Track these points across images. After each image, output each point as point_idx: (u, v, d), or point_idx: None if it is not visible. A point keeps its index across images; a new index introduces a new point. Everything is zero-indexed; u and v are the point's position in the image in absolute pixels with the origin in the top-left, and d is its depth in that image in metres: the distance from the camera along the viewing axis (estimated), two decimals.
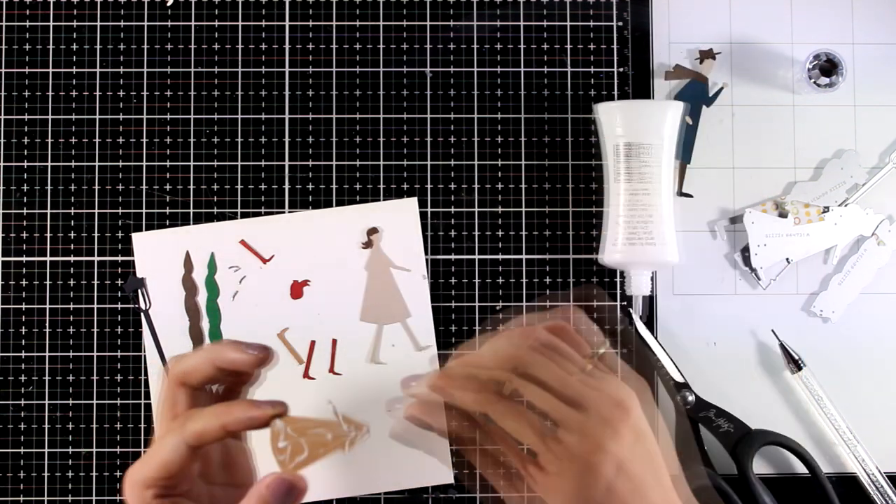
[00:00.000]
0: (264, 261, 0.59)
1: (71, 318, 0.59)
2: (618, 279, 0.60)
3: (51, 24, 0.60)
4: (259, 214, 0.60)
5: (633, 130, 0.56)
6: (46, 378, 0.59)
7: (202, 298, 0.59)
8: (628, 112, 0.57)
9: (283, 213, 0.60)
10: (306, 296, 0.59)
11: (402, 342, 0.59)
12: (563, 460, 0.41)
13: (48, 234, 0.59)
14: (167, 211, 0.60)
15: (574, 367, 0.43)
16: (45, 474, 0.58)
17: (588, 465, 0.40)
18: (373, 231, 0.59)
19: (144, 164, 0.60)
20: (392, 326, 0.59)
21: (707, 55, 0.60)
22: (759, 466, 0.59)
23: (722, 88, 0.60)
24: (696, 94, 0.60)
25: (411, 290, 0.59)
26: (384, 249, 0.59)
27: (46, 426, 0.59)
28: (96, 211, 0.60)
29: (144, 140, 0.60)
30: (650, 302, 0.59)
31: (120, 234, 0.60)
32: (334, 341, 0.59)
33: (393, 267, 0.58)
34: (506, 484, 0.45)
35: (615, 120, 0.57)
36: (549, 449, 0.41)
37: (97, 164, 0.60)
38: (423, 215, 0.60)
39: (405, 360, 0.59)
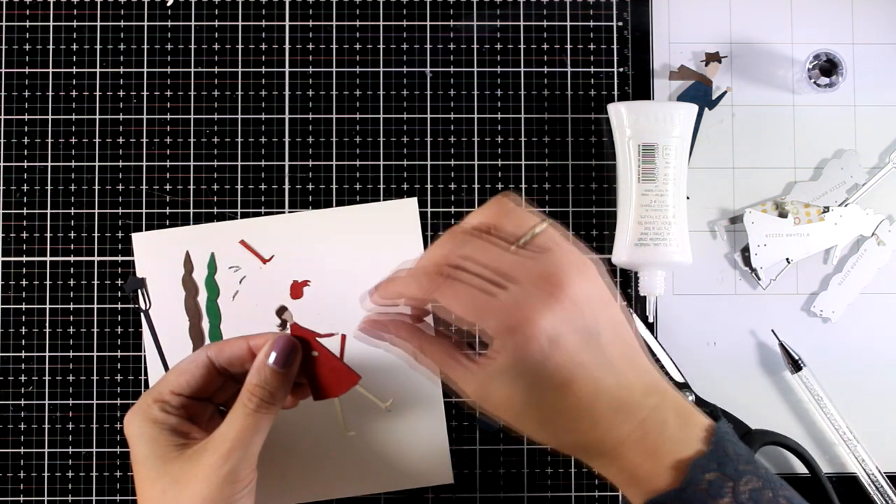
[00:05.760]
0: (264, 261, 0.59)
1: (71, 318, 0.59)
2: (632, 279, 0.60)
3: (51, 24, 0.60)
4: (259, 214, 0.60)
5: (648, 131, 0.56)
6: (46, 378, 0.59)
7: (202, 298, 0.59)
8: (643, 113, 0.57)
9: (283, 213, 0.60)
10: (306, 296, 0.59)
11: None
12: (498, 337, 0.40)
13: (48, 234, 0.59)
14: (167, 211, 0.60)
15: (506, 245, 0.42)
16: (45, 474, 0.58)
17: (518, 338, 0.40)
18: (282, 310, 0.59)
19: (144, 164, 0.60)
20: None
21: (713, 58, 0.60)
22: None
23: (725, 92, 0.60)
24: (698, 96, 0.60)
25: None
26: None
27: (46, 426, 0.59)
28: (96, 211, 0.60)
29: (144, 140, 0.60)
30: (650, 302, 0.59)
31: (120, 234, 0.59)
32: (343, 337, 0.58)
33: None
34: (455, 365, 0.44)
35: (629, 120, 0.57)
36: (487, 325, 0.41)
37: (97, 164, 0.60)
38: (423, 215, 0.60)
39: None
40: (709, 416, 0.44)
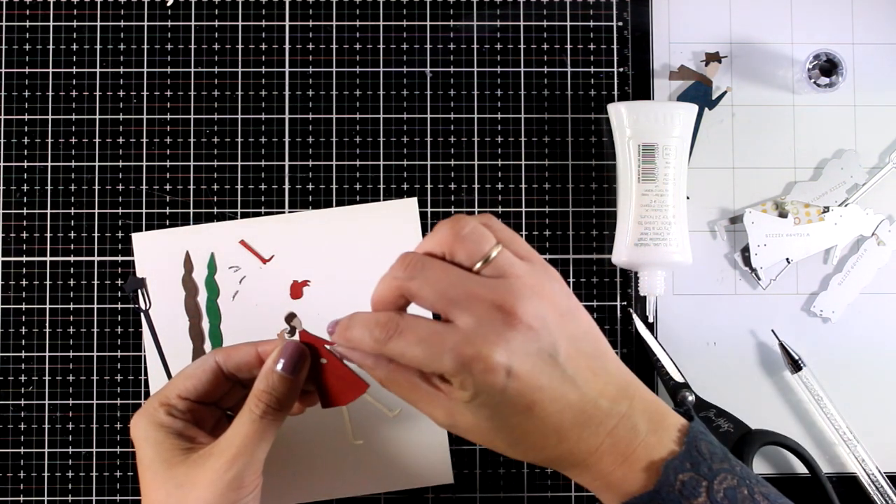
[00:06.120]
0: (264, 261, 0.59)
1: (71, 318, 0.59)
2: (632, 279, 0.60)
3: (51, 24, 0.60)
4: (259, 214, 0.60)
5: (648, 131, 0.56)
6: (46, 378, 0.59)
7: (202, 298, 0.59)
8: (643, 113, 0.57)
9: (283, 213, 0.60)
10: (306, 296, 0.59)
11: None
12: (456, 375, 0.40)
13: (48, 234, 0.59)
14: (167, 211, 0.60)
15: (459, 271, 0.42)
16: (45, 474, 0.58)
17: (475, 373, 0.40)
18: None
19: (144, 164, 0.60)
20: None
21: (713, 58, 0.60)
22: (759, 466, 0.59)
23: (725, 92, 0.60)
24: (698, 96, 0.60)
25: None
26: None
27: (46, 426, 0.59)
28: (96, 211, 0.60)
29: (144, 140, 0.60)
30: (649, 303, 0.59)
31: (120, 234, 0.59)
32: None
33: None
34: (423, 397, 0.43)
35: (630, 120, 0.57)
36: (443, 368, 0.40)
37: (97, 164, 0.60)
38: (423, 215, 0.60)
39: None
40: (683, 416, 0.44)
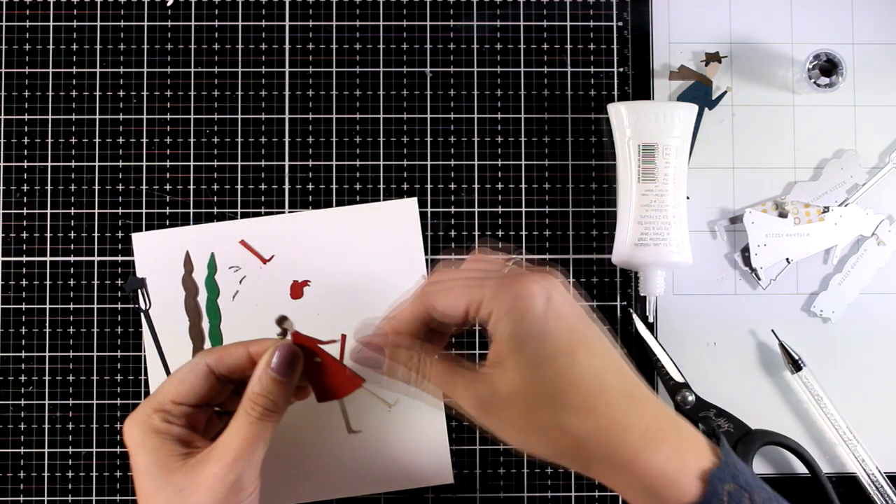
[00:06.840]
0: (264, 261, 0.59)
1: (71, 318, 0.59)
2: (632, 279, 0.60)
3: (51, 24, 0.60)
4: (259, 214, 0.60)
5: (648, 131, 0.56)
6: (46, 378, 0.59)
7: (202, 298, 0.59)
8: (643, 113, 0.57)
9: (283, 213, 0.60)
10: (306, 296, 0.59)
11: None
12: (497, 303, 0.41)
13: (48, 234, 0.59)
14: (167, 211, 0.60)
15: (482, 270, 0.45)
16: (45, 474, 0.58)
17: (515, 296, 0.41)
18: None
19: (144, 164, 0.60)
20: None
21: (713, 58, 0.60)
22: (759, 466, 0.59)
23: (725, 92, 0.61)
24: (698, 96, 0.60)
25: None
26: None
27: (46, 426, 0.59)
28: (96, 211, 0.60)
29: (144, 140, 0.60)
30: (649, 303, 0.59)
31: (120, 234, 0.60)
32: (343, 337, 0.58)
33: None
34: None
35: (630, 120, 0.57)
36: (484, 297, 0.42)
37: (97, 164, 0.60)
38: (423, 215, 0.60)
39: None
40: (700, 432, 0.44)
